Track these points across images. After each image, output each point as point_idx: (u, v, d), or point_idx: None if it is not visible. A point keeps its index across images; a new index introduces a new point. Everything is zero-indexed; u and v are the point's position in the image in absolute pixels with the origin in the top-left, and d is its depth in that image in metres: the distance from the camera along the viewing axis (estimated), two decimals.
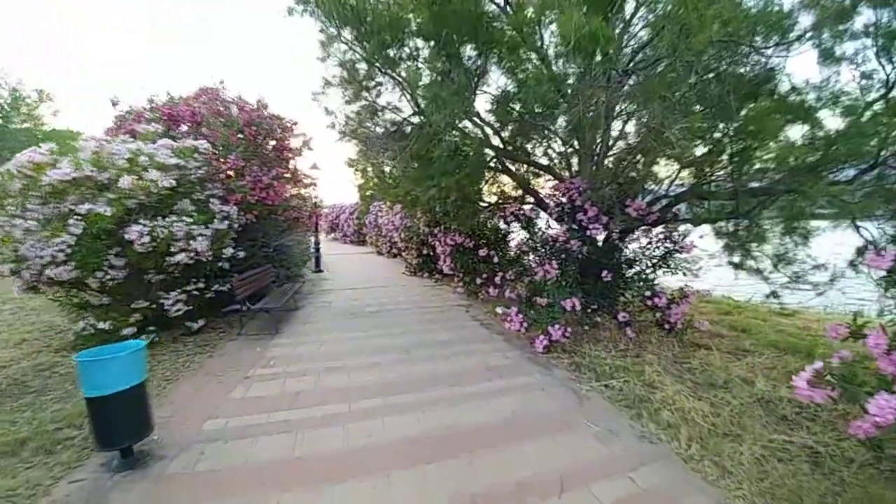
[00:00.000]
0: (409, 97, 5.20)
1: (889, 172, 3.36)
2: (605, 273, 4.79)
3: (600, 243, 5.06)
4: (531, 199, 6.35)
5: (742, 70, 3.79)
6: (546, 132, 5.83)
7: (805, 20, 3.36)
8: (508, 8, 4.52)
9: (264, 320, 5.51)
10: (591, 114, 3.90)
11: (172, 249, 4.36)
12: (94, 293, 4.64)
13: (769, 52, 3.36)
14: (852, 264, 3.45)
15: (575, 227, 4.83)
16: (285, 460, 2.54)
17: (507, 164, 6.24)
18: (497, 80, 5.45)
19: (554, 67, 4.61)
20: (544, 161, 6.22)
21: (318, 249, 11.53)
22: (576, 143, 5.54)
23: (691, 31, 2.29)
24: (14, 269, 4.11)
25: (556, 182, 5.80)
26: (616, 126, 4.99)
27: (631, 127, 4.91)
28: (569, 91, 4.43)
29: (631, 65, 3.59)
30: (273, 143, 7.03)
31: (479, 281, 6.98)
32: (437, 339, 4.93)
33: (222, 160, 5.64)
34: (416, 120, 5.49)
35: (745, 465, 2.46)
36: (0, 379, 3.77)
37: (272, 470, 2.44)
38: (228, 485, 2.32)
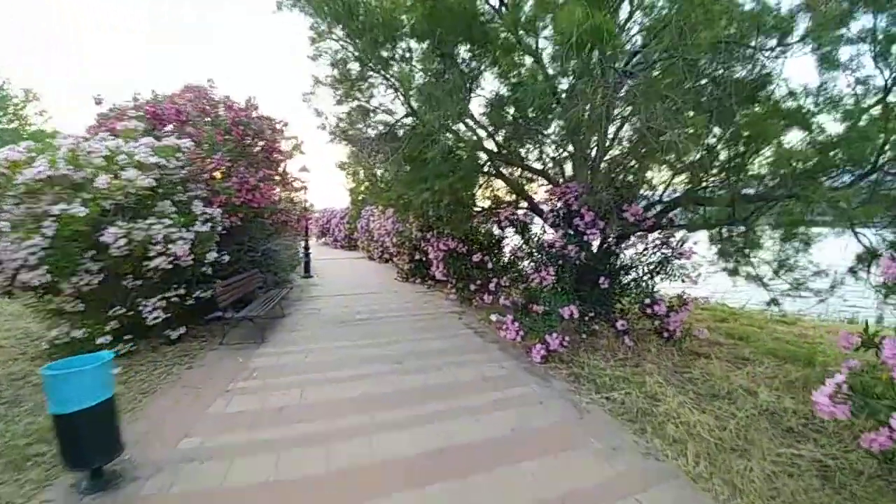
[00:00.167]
0: (402, 98, 5.07)
1: (886, 178, 3.32)
2: (602, 279, 4.69)
3: (596, 249, 4.97)
4: (525, 204, 6.25)
5: (740, 73, 3.74)
6: (540, 136, 5.75)
7: (803, 24, 3.33)
8: (503, 9, 4.43)
9: (248, 328, 5.27)
10: (587, 115, 3.81)
11: (150, 253, 4.13)
12: (68, 299, 4.38)
13: (768, 54, 3.30)
14: (852, 271, 3.39)
15: (571, 232, 4.72)
16: (265, 484, 2.34)
17: (500, 168, 6.14)
18: (491, 84, 5.39)
19: (550, 69, 4.54)
20: (538, 166, 6.14)
21: (307, 254, 11.28)
22: (571, 147, 5.47)
23: (696, 29, 2.21)
24: None
25: (551, 187, 5.71)
26: (611, 130, 4.92)
27: (627, 130, 4.84)
28: (563, 95, 4.36)
29: (629, 66, 3.51)
30: (262, 144, 6.82)
31: (472, 287, 6.83)
32: (430, 348, 4.75)
33: (207, 160, 5.42)
34: (408, 121, 5.36)
35: (756, 482, 2.35)
36: None
37: (251, 495, 2.25)
38: None
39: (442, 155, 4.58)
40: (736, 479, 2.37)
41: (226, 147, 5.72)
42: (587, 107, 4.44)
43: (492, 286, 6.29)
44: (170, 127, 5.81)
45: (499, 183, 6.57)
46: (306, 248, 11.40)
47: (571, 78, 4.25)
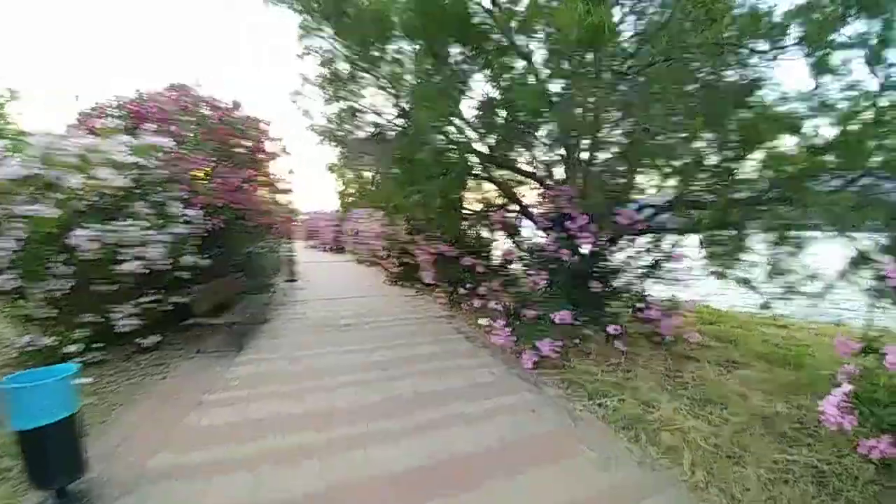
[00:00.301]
0: (392, 98, 4.98)
1: (876, 182, 3.35)
2: (593, 283, 4.64)
3: (586, 253, 4.92)
4: (516, 208, 6.19)
5: (732, 76, 3.74)
6: (531, 139, 5.71)
7: (796, 29, 3.34)
8: (497, 9, 4.37)
9: (228, 335, 5.06)
10: (580, 119, 3.77)
11: (122, 257, 3.92)
12: (38, 304, 4.15)
13: (762, 56, 3.30)
14: (843, 275, 3.40)
15: (564, 235, 4.66)
16: None
17: (491, 171, 6.07)
18: (482, 87, 5.31)
19: (542, 71, 4.49)
20: (529, 169, 6.08)
21: (292, 258, 11.05)
22: (562, 150, 5.44)
23: (697, 28, 2.17)
24: None
25: (542, 190, 5.66)
26: (603, 133, 4.90)
27: (619, 133, 4.82)
28: (556, 98, 4.32)
29: (624, 67, 3.48)
30: (247, 144, 6.63)
31: (462, 291, 6.73)
32: (419, 354, 4.62)
33: (189, 159, 5.22)
34: (399, 122, 5.26)
35: (753, 490, 2.29)
36: None
37: None
38: None
39: (432, 156, 4.49)
40: (733, 488, 2.31)
41: (208, 146, 5.53)
42: (580, 110, 4.42)
43: (482, 290, 6.20)
44: (152, 126, 5.61)
45: (489, 186, 6.51)
46: (292, 251, 11.17)
47: (565, 81, 4.21)
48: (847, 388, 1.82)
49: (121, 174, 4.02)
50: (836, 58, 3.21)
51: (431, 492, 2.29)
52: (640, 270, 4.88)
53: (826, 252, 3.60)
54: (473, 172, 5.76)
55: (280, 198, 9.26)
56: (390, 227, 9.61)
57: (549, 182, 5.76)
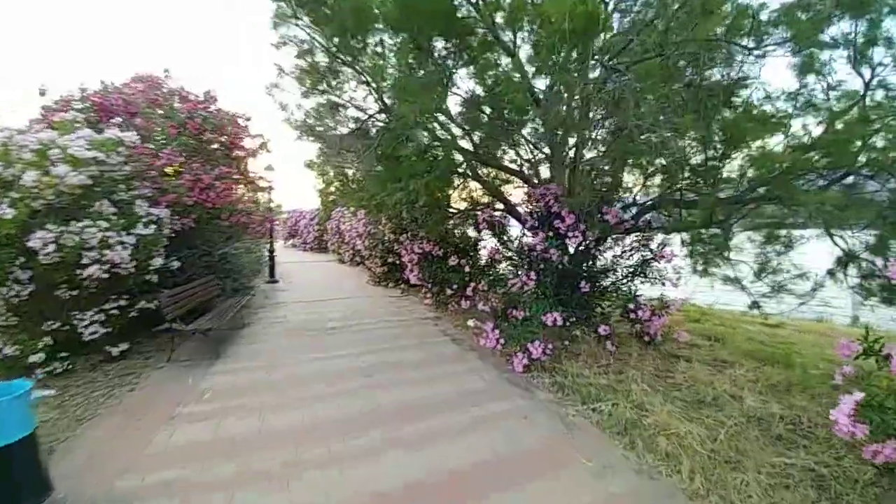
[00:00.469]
0: (374, 93, 4.77)
1: (860, 181, 3.36)
2: (582, 283, 4.56)
3: (573, 252, 4.84)
4: (502, 206, 6.08)
5: (718, 75, 3.71)
6: (517, 137, 5.60)
7: (781, 28, 3.32)
8: (482, 1, 4.22)
9: (202, 342, 4.76)
10: (566, 115, 3.67)
11: (84, 261, 3.62)
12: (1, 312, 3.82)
13: (749, 53, 3.26)
14: (831, 273, 3.41)
15: (552, 234, 4.57)
16: None
17: (477, 169, 5.94)
18: (467, 83, 5.17)
19: (527, 67, 4.38)
20: (514, 167, 5.98)
21: (272, 258, 10.67)
22: (547, 148, 5.35)
23: (693, 21, 2.08)
24: None
25: (529, 188, 5.56)
26: (589, 131, 4.82)
27: (606, 131, 4.75)
28: (541, 95, 4.21)
29: (613, 62, 3.38)
30: (222, 139, 6.29)
31: (448, 292, 6.57)
32: (406, 358, 4.45)
33: (157, 155, 4.89)
34: (382, 118, 5.06)
35: (754, 497, 2.23)
36: None
37: None
38: None
39: (417, 153, 4.32)
40: (733, 495, 2.24)
41: (176, 141, 5.19)
42: (565, 107, 4.32)
43: (469, 291, 6.06)
44: (118, 119, 5.25)
45: (475, 184, 6.37)
46: (271, 251, 10.78)
47: (550, 76, 4.10)
48: (858, 396, 1.75)
49: (78, 171, 3.70)
50: (821, 57, 3.21)
51: None
52: (628, 270, 4.84)
53: (812, 250, 3.61)
54: (459, 170, 5.61)
55: (260, 196, 8.91)
56: (374, 225, 9.37)
57: (535, 180, 5.66)
